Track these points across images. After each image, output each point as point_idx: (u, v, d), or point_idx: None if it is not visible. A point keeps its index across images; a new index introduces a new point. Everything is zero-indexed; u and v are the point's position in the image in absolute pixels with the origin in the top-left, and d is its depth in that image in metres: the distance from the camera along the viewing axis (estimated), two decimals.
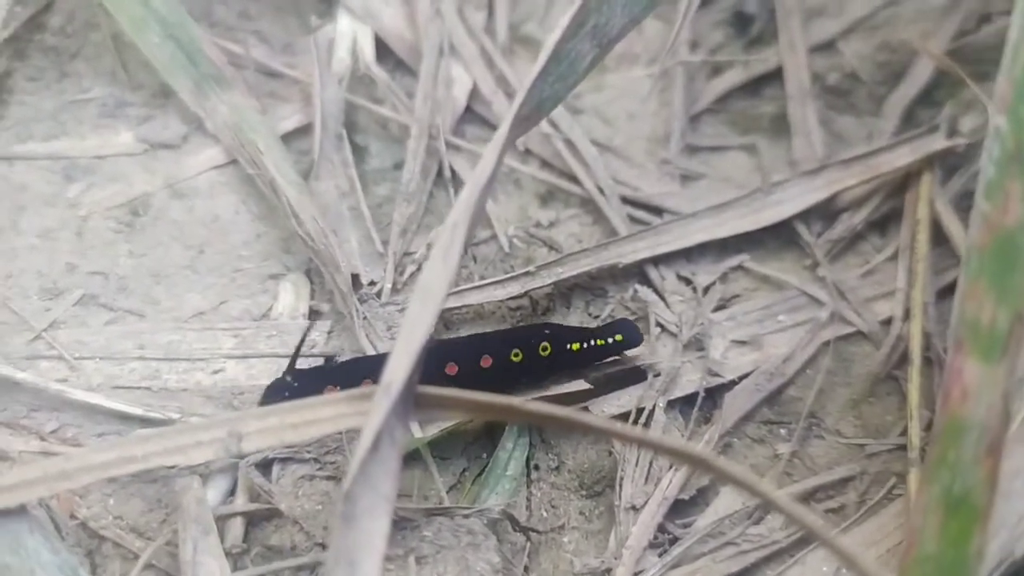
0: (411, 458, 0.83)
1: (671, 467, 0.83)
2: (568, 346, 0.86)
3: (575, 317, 0.94)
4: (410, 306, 0.67)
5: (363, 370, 0.83)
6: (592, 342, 0.86)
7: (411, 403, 0.68)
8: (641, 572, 0.78)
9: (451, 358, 0.84)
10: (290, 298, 0.92)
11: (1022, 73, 0.61)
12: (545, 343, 0.85)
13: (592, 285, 0.95)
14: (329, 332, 0.90)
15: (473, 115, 1.06)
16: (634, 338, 0.88)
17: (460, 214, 0.71)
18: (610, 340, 0.87)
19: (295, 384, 0.83)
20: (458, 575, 0.75)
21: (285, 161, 0.96)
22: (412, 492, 0.81)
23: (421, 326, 0.68)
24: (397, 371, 0.66)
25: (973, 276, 0.61)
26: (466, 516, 0.78)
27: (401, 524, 0.77)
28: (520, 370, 0.85)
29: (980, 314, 0.61)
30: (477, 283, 0.93)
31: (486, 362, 0.85)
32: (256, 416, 0.73)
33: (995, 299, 0.60)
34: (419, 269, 0.94)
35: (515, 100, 0.74)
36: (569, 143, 1.03)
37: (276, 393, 0.83)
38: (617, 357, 0.89)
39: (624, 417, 0.86)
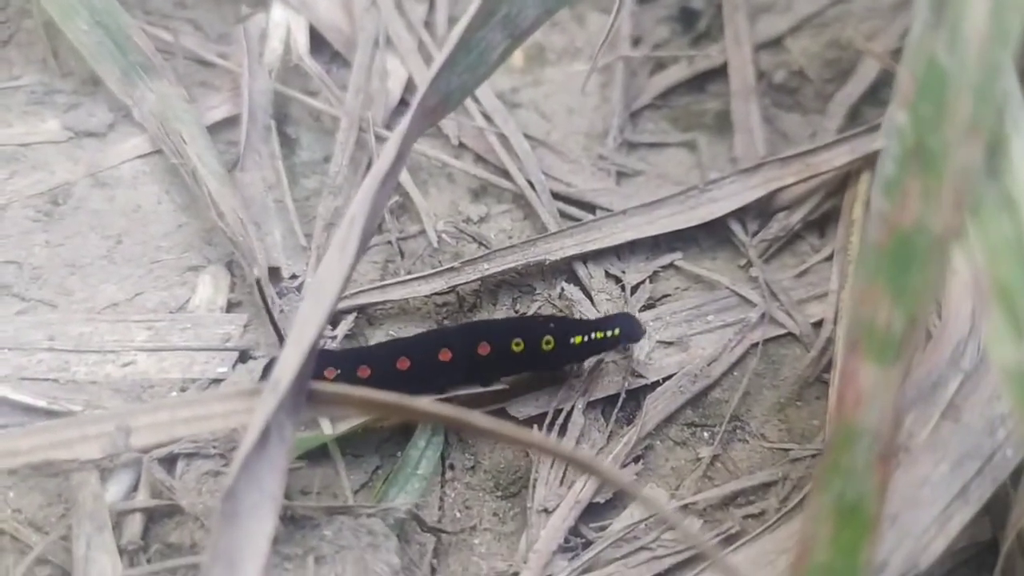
0: (321, 454, 0.81)
1: None
2: (571, 340, 0.82)
3: (501, 314, 0.92)
4: (303, 302, 0.66)
5: (399, 351, 0.83)
6: (592, 335, 0.83)
7: (302, 401, 0.66)
8: None
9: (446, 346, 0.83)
10: (208, 290, 0.91)
11: (925, 68, 0.59)
12: (549, 336, 0.82)
13: (519, 282, 0.93)
14: (245, 326, 0.88)
15: (408, 108, 1.03)
16: (634, 333, 0.84)
17: (359, 208, 0.69)
18: (609, 334, 0.83)
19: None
20: None
21: (209, 151, 0.94)
22: (314, 489, 0.79)
23: (313, 322, 0.66)
24: (287, 368, 0.64)
25: (870, 276, 0.59)
26: (369, 516, 0.76)
27: (301, 523, 0.75)
28: (520, 361, 0.83)
29: (876, 315, 0.58)
30: (401, 278, 0.92)
31: (484, 349, 0.82)
32: (146, 411, 0.72)
33: (891, 300, 0.58)
34: None
35: (418, 91, 0.72)
36: (503, 137, 1.00)
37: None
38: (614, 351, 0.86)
39: (542, 418, 0.84)
